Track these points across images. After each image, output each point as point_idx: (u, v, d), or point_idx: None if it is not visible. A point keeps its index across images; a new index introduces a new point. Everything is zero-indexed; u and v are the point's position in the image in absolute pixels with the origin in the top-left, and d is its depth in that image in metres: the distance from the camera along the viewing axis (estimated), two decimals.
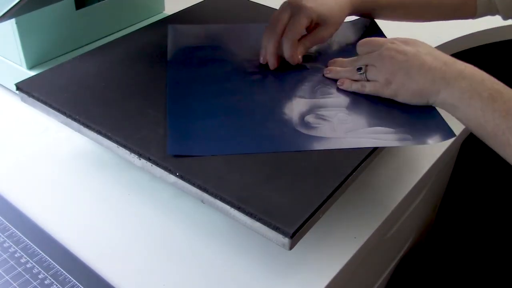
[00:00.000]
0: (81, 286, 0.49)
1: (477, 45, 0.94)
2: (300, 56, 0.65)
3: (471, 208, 1.19)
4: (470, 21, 0.75)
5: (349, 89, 0.61)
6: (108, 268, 0.51)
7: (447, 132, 0.55)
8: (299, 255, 0.53)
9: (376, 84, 0.59)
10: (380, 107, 0.59)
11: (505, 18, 0.73)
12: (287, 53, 0.64)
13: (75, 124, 0.57)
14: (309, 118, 0.57)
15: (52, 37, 0.73)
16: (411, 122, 0.56)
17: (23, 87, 0.61)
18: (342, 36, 0.73)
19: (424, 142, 0.54)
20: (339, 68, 0.64)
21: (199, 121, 0.56)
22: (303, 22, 0.63)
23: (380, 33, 0.73)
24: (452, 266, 0.98)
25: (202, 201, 0.49)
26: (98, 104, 0.58)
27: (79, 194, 0.60)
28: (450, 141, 0.67)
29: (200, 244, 0.54)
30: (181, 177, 0.50)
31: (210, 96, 0.60)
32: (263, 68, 0.66)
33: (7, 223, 0.55)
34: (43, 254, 0.52)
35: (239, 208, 0.46)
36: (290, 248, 0.45)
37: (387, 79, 0.58)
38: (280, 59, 0.65)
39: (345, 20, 0.70)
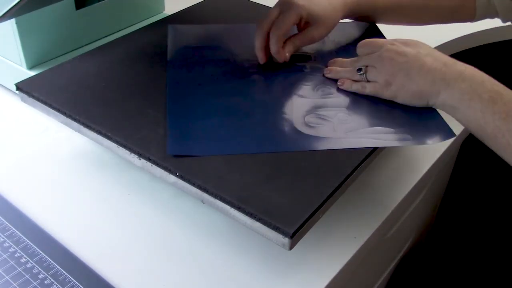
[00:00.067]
0: (81, 286, 0.49)
1: (477, 45, 0.94)
2: (287, 54, 0.65)
3: (471, 208, 1.19)
4: None
5: (349, 90, 0.61)
6: (108, 268, 0.51)
7: (447, 132, 0.55)
8: (299, 255, 0.53)
9: (376, 85, 0.59)
10: (380, 107, 0.59)
11: (504, 20, 0.72)
12: (272, 48, 0.64)
13: (75, 124, 0.57)
14: (309, 118, 0.57)
15: (52, 37, 0.73)
16: (411, 122, 0.56)
17: (23, 87, 0.61)
18: (342, 36, 0.73)
19: (424, 142, 0.54)
20: (339, 68, 0.64)
21: (199, 121, 0.56)
22: (291, 19, 0.63)
23: (379, 35, 0.73)
24: (452, 266, 0.98)
25: (202, 201, 0.49)
26: (98, 104, 0.58)
27: (79, 194, 0.60)
28: (450, 141, 0.67)
29: (200, 244, 0.54)
30: (181, 177, 0.50)
31: (210, 96, 0.60)
32: (263, 68, 0.66)
33: (7, 223, 0.55)
34: (43, 254, 0.52)
35: (239, 208, 0.46)
36: (290, 248, 0.45)
37: (387, 80, 0.58)
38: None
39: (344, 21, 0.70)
